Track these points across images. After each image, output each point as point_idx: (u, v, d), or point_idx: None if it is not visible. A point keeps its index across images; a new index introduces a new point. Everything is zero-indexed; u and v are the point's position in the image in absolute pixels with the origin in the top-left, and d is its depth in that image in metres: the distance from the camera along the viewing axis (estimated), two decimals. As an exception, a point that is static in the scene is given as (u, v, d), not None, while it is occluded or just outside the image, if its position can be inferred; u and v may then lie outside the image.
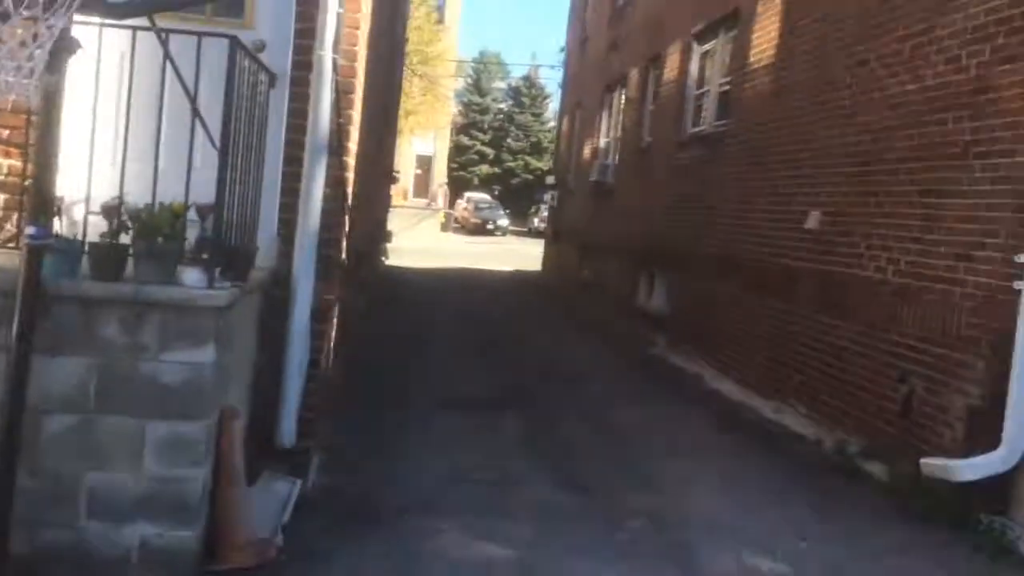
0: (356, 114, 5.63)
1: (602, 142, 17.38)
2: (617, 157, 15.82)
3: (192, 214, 3.90)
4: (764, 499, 5.51)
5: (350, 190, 5.84)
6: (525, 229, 43.25)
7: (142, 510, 3.68)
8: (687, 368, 9.99)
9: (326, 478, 5.28)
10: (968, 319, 5.54)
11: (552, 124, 47.98)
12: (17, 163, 4.81)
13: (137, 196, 3.89)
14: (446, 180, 46.87)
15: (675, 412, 7.86)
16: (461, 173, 52.88)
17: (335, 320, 5.89)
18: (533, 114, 55.15)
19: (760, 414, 7.88)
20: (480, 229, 40.62)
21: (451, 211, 43.96)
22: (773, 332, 8.28)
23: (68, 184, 3.88)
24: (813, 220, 7.66)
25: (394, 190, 23.14)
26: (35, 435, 3.60)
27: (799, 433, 7.19)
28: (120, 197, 3.85)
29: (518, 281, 20.36)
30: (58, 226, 3.79)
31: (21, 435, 3.48)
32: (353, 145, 5.75)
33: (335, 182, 5.26)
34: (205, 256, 3.84)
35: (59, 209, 3.82)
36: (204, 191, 3.85)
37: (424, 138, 42.53)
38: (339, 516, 4.72)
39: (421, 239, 31.36)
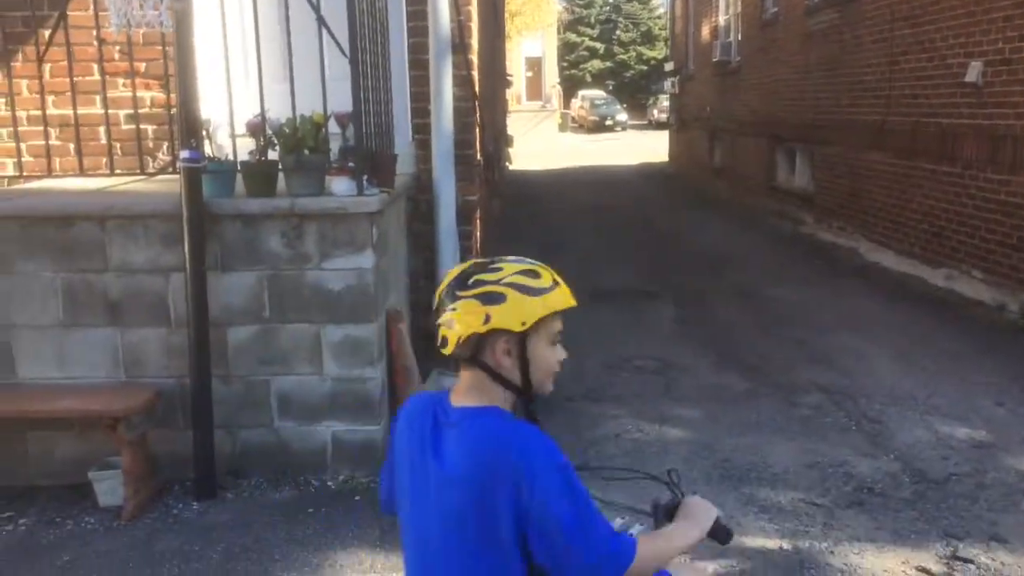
0: (473, 9, 5.46)
1: (721, 19, 16.40)
2: (740, 33, 14.91)
3: (332, 125, 3.89)
4: (948, 367, 5.18)
5: (477, 89, 5.71)
6: (644, 122, 42.02)
7: (329, 409, 3.84)
8: (840, 243, 9.49)
9: (491, 375, 5.32)
10: None
11: (661, 10, 45.92)
12: (158, 94, 4.94)
13: (276, 114, 3.91)
14: (558, 80, 45.82)
15: (834, 287, 7.48)
16: (572, 72, 51.60)
17: (479, 220, 5.85)
18: (640, 1, 52.84)
19: (929, 283, 7.40)
20: (599, 126, 39.71)
21: (567, 111, 43.13)
22: (935, 197, 7.68)
23: (208, 109, 3.93)
24: (974, 72, 6.94)
25: (508, 94, 22.81)
26: (222, 346, 3.76)
27: (976, 299, 6.70)
28: (262, 113, 3.86)
29: (646, 174, 19.85)
30: (208, 149, 3.86)
31: (209, 347, 3.64)
32: (474, 42, 5.61)
33: (462, 81, 5.15)
34: (351, 164, 3.83)
35: (206, 132, 3.88)
36: (335, 103, 3.83)
37: (532, 39, 41.51)
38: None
39: (541, 141, 30.97)
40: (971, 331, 5.96)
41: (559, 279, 1.68)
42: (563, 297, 1.67)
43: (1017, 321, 6.06)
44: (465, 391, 1.68)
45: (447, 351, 1.65)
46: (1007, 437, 4.16)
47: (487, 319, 1.61)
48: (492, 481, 1.55)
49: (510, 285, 1.63)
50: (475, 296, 1.62)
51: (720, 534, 1.78)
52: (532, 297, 1.63)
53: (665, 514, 1.78)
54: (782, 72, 12.20)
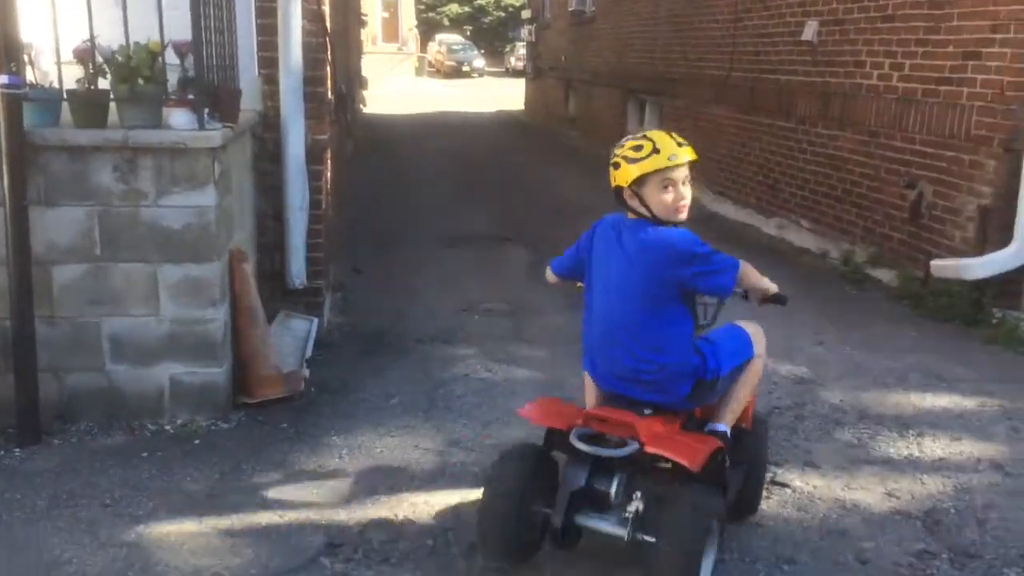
0: (323, -61, 5.26)
1: (579, -33, 16.54)
2: (597, -17, 15.09)
3: (170, 55, 3.68)
4: (776, 310, 5.44)
5: (328, 25, 5.53)
6: (502, 69, 42.00)
7: (167, 351, 3.70)
8: (684, 193, 9.88)
9: (341, 316, 5.28)
10: (978, 119, 5.41)
11: (522, -45, 45.64)
12: (-27, 13, 4.49)
13: (107, 41, 3.65)
14: (415, 23, 44.96)
15: (677, 235, 7.81)
16: (430, 15, 50.72)
17: (329, 161, 5.72)
18: (500, -54, 52.31)
19: (763, 232, 7.87)
20: (456, 72, 39.42)
21: (424, 55, 42.50)
22: (771, 150, 8.14)
23: (31, 33, 3.62)
24: (809, 31, 7.35)
25: (363, 35, 22.19)
26: (47, 286, 3.54)
27: (803, 247, 7.20)
28: (92, 39, 3.60)
29: (502, 121, 19.92)
30: (31, 76, 3.58)
31: (31, 286, 3.41)
32: (326, -27, 5.40)
33: (313, 16, 4.96)
34: (191, 97, 3.65)
35: (29, 58, 3.59)
36: (174, 31, 3.61)
37: (389, -22, 40.43)
38: (359, 350, 4.75)
39: (397, 85, 30.47)
40: (796, 276, 6.35)
41: (661, 145, 2.54)
42: (654, 161, 2.54)
43: (838, 267, 6.55)
44: (634, 214, 2.66)
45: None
46: (825, 373, 4.52)
47: (614, 179, 2.62)
48: (655, 257, 2.59)
49: (621, 156, 2.60)
50: (610, 164, 2.64)
51: (781, 299, 2.90)
52: (631, 164, 2.56)
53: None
54: (634, 24, 12.47)
